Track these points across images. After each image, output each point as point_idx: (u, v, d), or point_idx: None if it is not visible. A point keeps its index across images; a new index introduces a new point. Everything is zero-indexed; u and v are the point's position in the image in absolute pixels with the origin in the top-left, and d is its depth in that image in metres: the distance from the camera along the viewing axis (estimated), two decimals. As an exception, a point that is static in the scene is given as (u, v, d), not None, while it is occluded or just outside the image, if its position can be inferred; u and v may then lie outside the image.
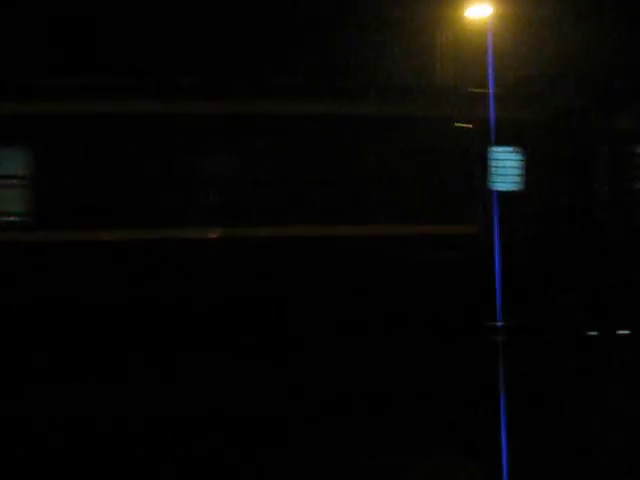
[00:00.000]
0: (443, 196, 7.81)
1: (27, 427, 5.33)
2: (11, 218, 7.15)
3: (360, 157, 7.78)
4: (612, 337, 7.91)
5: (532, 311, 7.90)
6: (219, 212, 7.52)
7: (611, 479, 4.66)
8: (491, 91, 7.88)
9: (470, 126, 7.85)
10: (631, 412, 5.70)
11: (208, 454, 4.86)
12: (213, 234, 7.46)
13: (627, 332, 7.89)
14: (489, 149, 7.84)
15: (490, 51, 9.49)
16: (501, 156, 7.83)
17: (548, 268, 7.95)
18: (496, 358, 6.26)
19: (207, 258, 7.34)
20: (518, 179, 7.97)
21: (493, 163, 7.90)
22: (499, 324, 7.49)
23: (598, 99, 8.87)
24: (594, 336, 7.95)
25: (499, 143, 7.81)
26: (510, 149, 7.92)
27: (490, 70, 8.69)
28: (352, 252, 7.66)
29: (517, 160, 7.94)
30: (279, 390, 6.29)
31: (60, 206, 7.11)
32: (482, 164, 7.85)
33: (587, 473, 4.61)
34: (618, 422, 5.48)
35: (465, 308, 7.84)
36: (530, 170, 7.95)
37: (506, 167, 7.86)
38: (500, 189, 7.88)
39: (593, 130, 8.29)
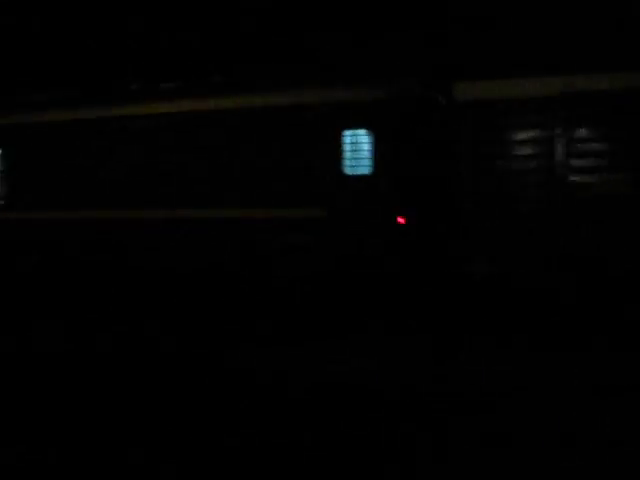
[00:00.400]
0: (293, 180, 8.21)
1: None
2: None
3: (210, 146, 8.69)
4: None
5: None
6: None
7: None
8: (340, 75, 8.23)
9: (319, 111, 8.05)
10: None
11: None
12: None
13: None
14: (341, 133, 7.99)
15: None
16: (352, 139, 7.94)
17: (400, 249, 7.96)
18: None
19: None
20: (370, 162, 8.00)
21: (345, 147, 8.00)
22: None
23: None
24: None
25: (350, 127, 7.95)
26: (362, 132, 7.94)
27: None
28: (205, 233, 8.65)
29: (369, 143, 8.02)
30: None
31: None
32: (333, 148, 8.01)
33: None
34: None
35: (310, 288, 8.30)
36: (382, 153, 7.95)
37: (358, 151, 7.92)
38: (353, 173, 7.99)
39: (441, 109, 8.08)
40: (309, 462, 3.85)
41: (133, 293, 9.15)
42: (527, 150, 7.52)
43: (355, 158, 8.00)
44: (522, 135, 7.53)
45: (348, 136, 8.05)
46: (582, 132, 7.37)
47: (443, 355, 6.68)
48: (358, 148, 8.00)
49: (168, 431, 4.41)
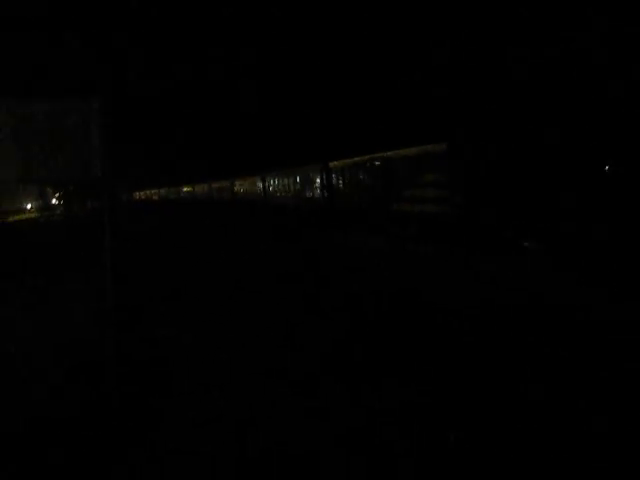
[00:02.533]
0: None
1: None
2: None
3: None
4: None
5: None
6: None
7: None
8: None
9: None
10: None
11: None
12: None
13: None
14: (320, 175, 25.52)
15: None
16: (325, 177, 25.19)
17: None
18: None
19: None
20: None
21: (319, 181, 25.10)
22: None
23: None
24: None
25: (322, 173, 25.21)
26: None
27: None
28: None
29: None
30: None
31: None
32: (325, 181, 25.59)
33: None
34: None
35: None
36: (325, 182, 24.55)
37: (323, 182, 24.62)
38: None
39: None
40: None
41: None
42: (352, 180, 21.48)
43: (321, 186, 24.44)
44: (349, 175, 21.82)
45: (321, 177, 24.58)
46: (378, 175, 20.67)
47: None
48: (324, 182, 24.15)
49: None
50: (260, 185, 33.72)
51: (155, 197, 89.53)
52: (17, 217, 46.13)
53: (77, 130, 4.51)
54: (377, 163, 18.59)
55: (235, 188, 41.09)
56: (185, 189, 65.55)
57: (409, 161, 16.19)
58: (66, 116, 4.54)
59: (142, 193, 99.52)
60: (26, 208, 58.10)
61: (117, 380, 4.55)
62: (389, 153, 17.52)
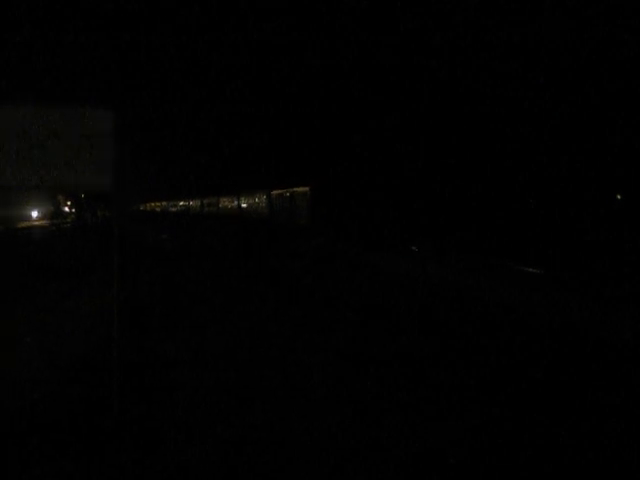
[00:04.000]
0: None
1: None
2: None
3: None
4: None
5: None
6: None
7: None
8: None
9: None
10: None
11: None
12: None
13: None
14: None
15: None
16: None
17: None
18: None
19: None
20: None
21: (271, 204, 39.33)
22: None
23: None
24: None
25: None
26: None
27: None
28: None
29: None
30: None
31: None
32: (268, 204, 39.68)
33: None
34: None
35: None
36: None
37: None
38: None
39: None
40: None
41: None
42: (280, 203, 34.43)
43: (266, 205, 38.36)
44: (279, 200, 34.76)
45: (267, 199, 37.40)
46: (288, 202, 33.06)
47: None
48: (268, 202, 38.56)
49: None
50: (235, 202, 49.02)
51: (157, 209, 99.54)
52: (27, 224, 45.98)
53: (92, 139, 4.63)
54: (288, 194, 32.66)
55: (214, 204, 57.53)
56: (180, 203, 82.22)
57: (298, 195, 30.57)
58: (82, 125, 4.66)
59: (145, 205, 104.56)
60: (31, 216, 52.84)
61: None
62: (294, 189, 31.33)
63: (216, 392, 5.41)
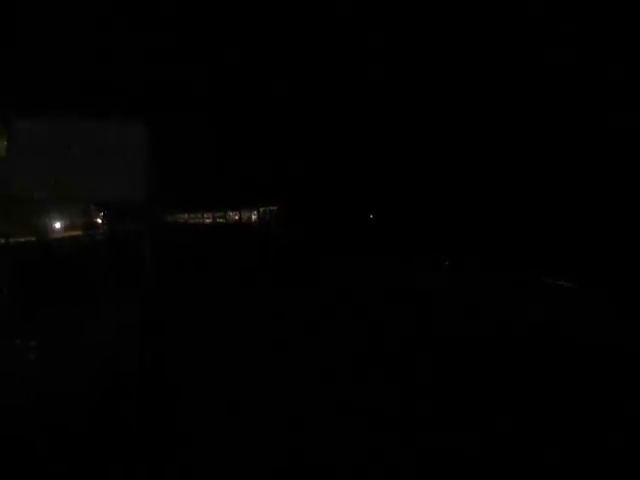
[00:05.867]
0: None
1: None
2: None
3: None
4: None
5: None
6: None
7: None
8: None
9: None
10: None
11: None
12: None
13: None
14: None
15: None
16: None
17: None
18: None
19: None
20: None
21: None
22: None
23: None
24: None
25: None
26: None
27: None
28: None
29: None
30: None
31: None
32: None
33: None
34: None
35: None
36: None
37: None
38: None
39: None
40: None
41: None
42: (265, 216, 53.76)
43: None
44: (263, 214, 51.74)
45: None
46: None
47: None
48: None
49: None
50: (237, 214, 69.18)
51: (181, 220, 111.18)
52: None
53: (124, 151, 4.63)
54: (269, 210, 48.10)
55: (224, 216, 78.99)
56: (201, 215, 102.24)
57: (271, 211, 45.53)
58: (114, 136, 4.67)
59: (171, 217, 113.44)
60: (54, 227, 50.44)
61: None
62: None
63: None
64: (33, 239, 35.34)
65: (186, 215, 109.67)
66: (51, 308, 10.31)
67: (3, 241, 12.27)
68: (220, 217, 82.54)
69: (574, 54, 17.47)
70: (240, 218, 67.51)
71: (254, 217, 61.72)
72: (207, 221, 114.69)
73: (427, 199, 24.62)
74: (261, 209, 54.96)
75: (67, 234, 52.88)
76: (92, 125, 4.61)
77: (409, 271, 16.98)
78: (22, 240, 33.50)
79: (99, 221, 70.14)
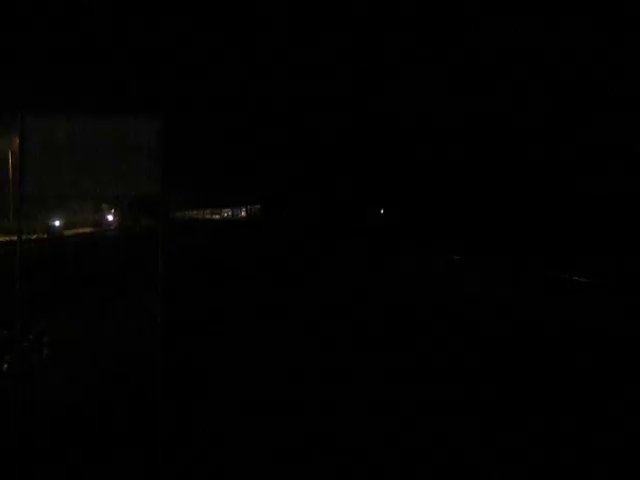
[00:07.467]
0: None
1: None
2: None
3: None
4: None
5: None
6: None
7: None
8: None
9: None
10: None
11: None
12: None
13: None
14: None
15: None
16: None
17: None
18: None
19: None
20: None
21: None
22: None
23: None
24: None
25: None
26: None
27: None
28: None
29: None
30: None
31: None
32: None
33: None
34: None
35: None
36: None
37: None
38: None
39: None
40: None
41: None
42: (254, 213, 56.53)
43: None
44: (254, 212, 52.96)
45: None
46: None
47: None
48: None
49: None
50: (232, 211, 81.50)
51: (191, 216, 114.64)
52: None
53: (139, 147, 4.51)
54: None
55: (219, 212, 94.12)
56: (208, 211, 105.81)
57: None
58: (129, 134, 4.55)
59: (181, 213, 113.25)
60: (54, 225, 46.09)
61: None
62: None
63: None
64: (46, 236, 35.57)
65: (195, 212, 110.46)
66: (64, 306, 10.25)
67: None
68: (225, 214, 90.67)
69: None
70: (247, 214, 70.58)
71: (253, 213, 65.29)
72: (215, 217, 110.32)
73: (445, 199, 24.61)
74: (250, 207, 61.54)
75: (80, 231, 53.09)
76: (105, 123, 4.47)
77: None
78: (34, 237, 33.72)
79: (111, 218, 70.40)
